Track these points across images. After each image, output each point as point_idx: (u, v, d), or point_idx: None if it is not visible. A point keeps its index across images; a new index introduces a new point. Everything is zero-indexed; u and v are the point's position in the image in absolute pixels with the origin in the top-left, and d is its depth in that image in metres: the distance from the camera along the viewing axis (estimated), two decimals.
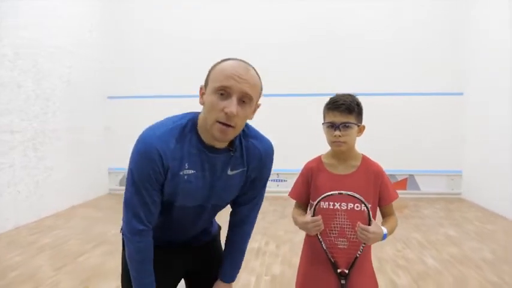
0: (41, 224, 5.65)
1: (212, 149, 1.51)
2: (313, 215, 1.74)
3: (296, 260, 3.96)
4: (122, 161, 7.82)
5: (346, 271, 1.78)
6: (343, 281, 1.78)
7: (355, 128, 1.82)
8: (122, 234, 1.73)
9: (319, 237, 1.78)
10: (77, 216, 6.13)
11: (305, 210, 1.95)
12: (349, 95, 1.86)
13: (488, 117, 6.46)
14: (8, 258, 4.25)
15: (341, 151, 1.84)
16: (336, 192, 1.71)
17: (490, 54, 6.44)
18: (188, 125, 1.51)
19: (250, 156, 1.60)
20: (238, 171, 1.59)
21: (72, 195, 6.81)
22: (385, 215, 1.88)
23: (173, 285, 1.82)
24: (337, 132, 1.78)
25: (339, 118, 1.78)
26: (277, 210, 6.05)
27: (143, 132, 1.49)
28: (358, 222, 1.70)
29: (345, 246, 1.80)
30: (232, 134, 1.45)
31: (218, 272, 1.80)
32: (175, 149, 1.46)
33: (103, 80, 7.81)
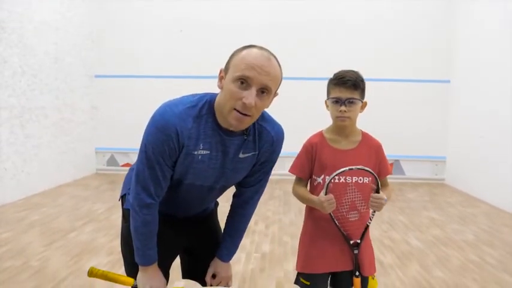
0: (28, 201, 5.60)
1: (227, 132, 1.51)
2: (326, 193, 1.77)
3: (286, 239, 4.09)
4: (109, 141, 7.90)
5: (358, 241, 1.85)
6: (356, 251, 1.84)
7: (359, 104, 1.86)
8: (123, 207, 1.77)
9: (331, 214, 1.81)
10: (65, 194, 6.09)
11: (306, 186, 1.98)
12: (354, 71, 1.89)
13: (474, 105, 6.60)
14: None
15: (345, 126, 1.88)
16: (347, 168, 1.75)
17: (478, 43, 6.55)
18: (205, 107, 1.50)
19: (262, 141, 1.60)
20: (250, 154, 1.60)
21: (60, 174, 6.76)
22: (383, 186, 1.93)
23: (170, 259, 1.84)
24: (343, 108, 1.81)
25: (344, 94, 1.81)
26: (266, 191, 5.99)
27: (161, 107, 1.47)
28: (372, 193, 1.77)
29: (356, 218, 1.86)
30: (248, 122, 1.45)
31: (215, 249, 1.82)
32: (192, 128, 1.46)
33: (90, 58, 7.69)
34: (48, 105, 6.44)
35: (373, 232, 4.48)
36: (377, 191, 1.78)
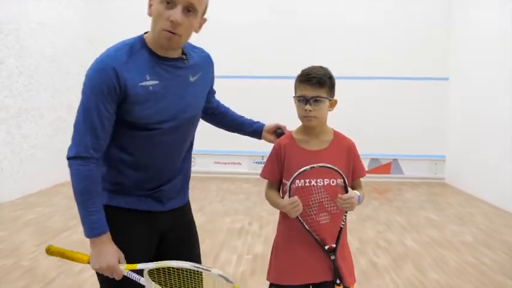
0: (25, 201, 5.61)
1: (167, 59, 1.56)
2: (290, 196, 1.69)
3: None
4: None
5: (334, 245, 1.75)
6: (332, 256, 1.74)
7: (327, 102, 1.76)
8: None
9: (300, 218, 1.72)
10: (61, 194, 6.09)
11: (278, 189, 1.90)
12: (321, 67, 1.80)
13: (473, 103, 6.53)
14: None
15: (312, 126, 1.80)
16: (308, 167, 1.67)
17: (477, 41, 6.47)
18: (137, 43, 1.55)
19: (202, 62, 1.70)
20: (198, 76, 1.66)
21: (56, 174, 6.73)
22: (355, 188, 1.84)
23: (149, 250, 1.71)
24: (308, 107, 1.72)
25: (309, 92, 1.73)
26: (261, 191, 5.93)
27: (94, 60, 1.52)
28: (338, 195, 1.69)
29: (328, 221, 1.76)
30: (177, 41, 1.50)
31: (251, 130, 2.02)
32: (128, 62, 1.49)
33: (87, 58, 7.63)
34: (44, 105, 6.43)
35: (368, 233, 4.44)
36: (345, 191, 1.71)
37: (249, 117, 2.07)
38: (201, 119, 1.99)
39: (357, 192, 1.75)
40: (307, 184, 1.74)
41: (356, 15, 7.42)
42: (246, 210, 5.21)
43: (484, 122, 6.17)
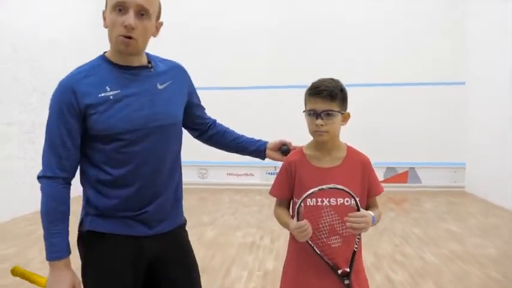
0: (38, 215, 5.57)
1: (130, 68, 1.55)
2: (298, 219, 1.58)
3: None
4: None
5: (348, 269, 1.63)
6: (346, 281, 1.62)
7: (339, 116, 1.66)
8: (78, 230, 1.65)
9: (310, 242, 1.62)
10: (73, 209, 6.07)
11: (288, 207, 1.81)
12: (332, 79, 1.70)
13: (492, 107, 6.30)
14: (1, 249, 4.24)
15: (323, 141, 1.69)
16: (316, 189, 1.56)
17: (492, 42, 6.28)
18: (96, 60, 1.58)
19: (171, 70, 1.67)
20: (168, 83, 1.63)
21: None
22: (369, 207, 1.74)
23: (135, 280, 1.58)
24: (319, 121, 1.63)
25: (320, 105, 1.63)
26: (273, 203, 5.89)
27: None
28: (348, 214, 1.57)
29: (340, 244, 1.65)
30: (135, 45, 1.50)
31: (253, 148, 1.90)
32: (87, 78, 1.50)
33: None
34: None
35: (385, 247, 4.27)
36: (357, 210, 1.59)
37: (250, 136, 1.96)
38: (200, 140, 1.92)
39: (370, 212, 1.62)
40: (319, 203, 1.64)
41: (366, 21, 7.31)
42: (258, 224, 5.11)
43: (505, 125, 5.93)
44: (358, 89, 7.06)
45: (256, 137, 1.96)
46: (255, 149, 1.91)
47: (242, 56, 7.56)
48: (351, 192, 1.58)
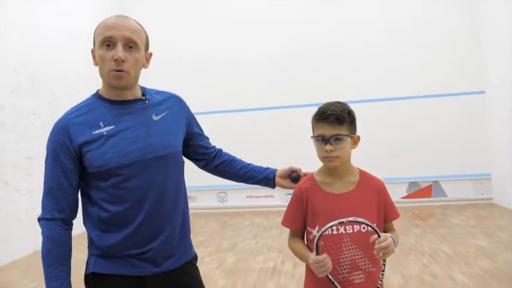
0: None
1: (123, 102, 1.55)
2: (317, 252, 1.50)
3: None
4: None
5: None
6: None
7: (348, 140, 1.61)
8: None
9: (330, 276, 1.53)
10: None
11: (302, 237, 1.73)
12: (339, 102, 1.65)
13: None
14: (22, 285, 4.26)
15: (334, 167, 1.63)
16: (336, 222, 1.48)
17: (510, 49, 6.10)
18: (90, 98, 1.59)
19: (167, 101, 1.67)
20: (163, 114, 1.62)
21: None
22: (388, 232, 1.66)
23: None
24: (328, 147, 1.58)
25: (328, 130, 1.59)
26: None
27: None
28: (373, 238, 1.48)
29: (362, 280, 1.56)
30: (127, 78, 1.50)
31: (262, 177, 1.85)
32: (80, 116, 1.51)
33: None
34: None
35: (412, 267, 4.10)
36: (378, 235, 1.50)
37: (257, 166, 1.90)
38: (206, 171, 1.89)
39: (388, 235, 1.53)
40: (335, 232, 1.55)
41: (385, 32, 7.23)
42: (279, 247, 4.99)
43: None
44: (376, 103, 6.99)
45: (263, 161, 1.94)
46: (264, 177, 1.86)
47: (246, 78, 7.61)
48: (370, 224, 1.50)
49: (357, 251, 1.55)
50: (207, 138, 1.87)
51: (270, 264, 4.42)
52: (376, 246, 1.47)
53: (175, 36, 7.86)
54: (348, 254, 1.55)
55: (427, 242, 4.89)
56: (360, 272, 1.56)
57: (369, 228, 1.53)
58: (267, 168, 1.89)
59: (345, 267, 1.55)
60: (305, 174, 1.81)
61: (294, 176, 1.84)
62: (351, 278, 1.56)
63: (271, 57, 7.54)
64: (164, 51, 7.27)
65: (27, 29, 5.71)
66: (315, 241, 1.50)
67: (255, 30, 7.67)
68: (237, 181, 1.90)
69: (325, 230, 1.49)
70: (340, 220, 1.48)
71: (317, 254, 1.49)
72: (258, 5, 7.68)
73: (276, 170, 1.88)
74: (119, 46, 1.46)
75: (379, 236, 1.50)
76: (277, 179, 1.85)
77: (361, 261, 1.56)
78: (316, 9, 7.44)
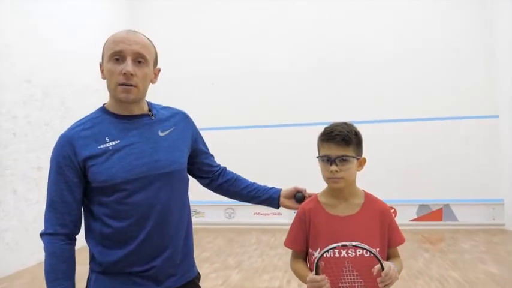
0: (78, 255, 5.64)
1: (130, 117, 1.55)
2: (317, 273, 1.48)
3: None
4: None
5: None
6: None
7: (354, 161, 1.60)
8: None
9: None
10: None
11: (305, 259, 1.72)
12: (346, 123, 1.65)
13: None
14: None
15: (339, 188, 1.62)
16: (339, 244, 1.46)
17: None
18: (96, 112, 1.58)
19: (173, 117, 1.67)
20: (170, 130, 1.62)
21: None
22: (389, 258, 1.64)
23: None
24: (334, 167, 1.56)
25: (334, 151, 1.58)
26: None
27: None
28: (377, 271, 1.43)
29: None
30: (136, 93, 1.50)
31: (266, 197, 1.83)
32: (85, 130, 1.50)
33: None
34: None
35: None
36: (381, 266, 1.45)
37: (263, 184, 1.88)
38: (210, 189, 1.87)
39: (390, 264, 1.48)
40: (337, 255, 1.52)
41: (399, 53, 7.20)
42: (285, 267, 4.92)
43: None
44: (387, 124, 6.95)
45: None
46: (268, 197, 1.84)
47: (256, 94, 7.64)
48: (377, 255, 1.45)
49: (357, 278, 1.52)
50: (212, 156, 1.86)
51: (275, 284, 4.36)
52: (379, 279, 1.43)
53: (184, 50, 7.91)
54: (347, 279, 1.52)
55: (436, 267, 4.79)
56: None
57: (371, 254, 1.50)
58: (272, 188, 1.87)
59: None
60: (309, 195, 1.80)
61: (299, 197, 1.82)
62: None
63: (278, 74, 7.55)
64: (172, 66, 7.38)
65: (41, 41, 5.83)
66: (315, 261, 1.48)
67: (262, 46, 7.70)
68: (240, 200, 1.88)
69: (327, 250, 1.47)
70: (344, 243, 1.46)
71: (316, 274, 1.46)
72: (262, 21, 7.73)
73: (280, 190, 1.86)
74: (128, 60, 1.47)
75: (381, 262, 1.46)
76: (281, 199, 1.83)
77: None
78: (325, 29, 7.45)
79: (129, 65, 1.46)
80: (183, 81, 7.81)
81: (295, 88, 7.53)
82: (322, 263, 1.48)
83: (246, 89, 7.70)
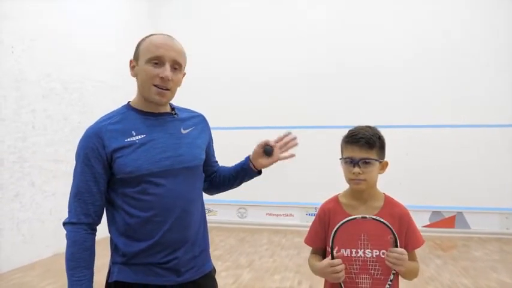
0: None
1: (155, 114, 1.63)
2: (332, 257, 1.54)
3: None
4: None
5: None
6: None
7: (377, 164, 1.63)
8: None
9: (342, 286, 1.56)
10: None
11: (323, 257, 1.73)
12: (370, 127, 1.68)
13: None
14: (40, 286, 4.34)
15: (360, 190, 1.66)
16: (359, 216, 1.52)
17: None
18: (122, 108, 1.65)
19: (194, 118, 1.76)
20: (191, 129, 1.70)
21: None
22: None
23: None
24: (357, 169, 1.61)
25: (358, 153, 1.62)
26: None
27: None
28: (389, 249, 1.52)
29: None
30: (169, 96, 1.60)
31: (239, 168, 1.84)
32: (112, 124, 1.56)
33: None
34: None
35: None
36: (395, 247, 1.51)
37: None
38: (207, 193, 1.90)
39: (403, 250, 1.54)
40: (354, 255, 1.58)
41: (418, 58, 7.17)
42: (296, 267, 4.95)
43: None
44: (403, 130, 6.92)
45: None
46: (241, 168, 1.83)
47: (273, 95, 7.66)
48: (391, 227, 1.52)
49: (377, 273, 1.56)
50: (217, 162, 1.92)
51: (286, 284, 4.38)
52: (387, 252, 1.51)
53: (203, 50, 7.96)
54: (364, 281, 1.57)
55: (448, 274, 4.76)
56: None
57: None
58: (244, 161, 1.85)
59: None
60: (275, 146, 1.78)
61: (267, 150, 1.76)
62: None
63: (294, 77, 7.58)
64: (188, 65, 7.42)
65: (62, 37, 5.94)
66: (332, 234, 1.54)
67: (278, 49, 7.72)
68: (228, 187, 1.88)
69: (346, 221, 1.53)
70: (363, 215, 1.54)
71: (332, 258, 1.53)
72: (278, 24, 7.76)
73: (250, 156, 1.83)
74: (167, 66, 1.55)
75: (396, 243, 1.52)
76: (253, 162, 1.80)
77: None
78: (344, 32, 7.46)
79: (167, 71, 1.55)
80: (202, 81, 7.85)
81: (313, 90, 7.52)
82: (336, 253, 1.55)
83: (259, 90, 7.73)
